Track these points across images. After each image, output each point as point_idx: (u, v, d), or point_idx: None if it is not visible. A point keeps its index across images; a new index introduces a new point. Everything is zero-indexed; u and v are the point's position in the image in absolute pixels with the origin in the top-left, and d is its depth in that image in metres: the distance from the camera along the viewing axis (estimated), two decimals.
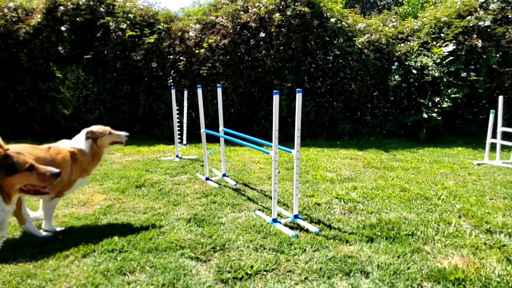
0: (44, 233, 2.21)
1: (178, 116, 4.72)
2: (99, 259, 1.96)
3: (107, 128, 2.39)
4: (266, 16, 6.18)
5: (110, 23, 6.20)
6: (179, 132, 4.75)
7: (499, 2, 6.50)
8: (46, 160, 1.97)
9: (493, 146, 4.62)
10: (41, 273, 1.83)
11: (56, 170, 1.58)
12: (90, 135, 2.29)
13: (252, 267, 1.87)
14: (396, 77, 6.50)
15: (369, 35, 6.59)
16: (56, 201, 2.26)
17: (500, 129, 4.53)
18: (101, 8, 6.34)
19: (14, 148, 1.58)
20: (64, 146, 2.23)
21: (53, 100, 6.24)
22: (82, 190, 3.23)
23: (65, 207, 2.78)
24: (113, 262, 1.92)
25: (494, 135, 4.55)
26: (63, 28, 6.19)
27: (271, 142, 2.41)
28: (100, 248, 2.08)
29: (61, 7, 6.21)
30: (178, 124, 4.74)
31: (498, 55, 6.26)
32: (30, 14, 6.45)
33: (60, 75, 6.09)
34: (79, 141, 2.29)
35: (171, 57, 6.36)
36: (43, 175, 1.54)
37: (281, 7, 6.24)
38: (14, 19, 6.35)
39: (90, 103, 6.21)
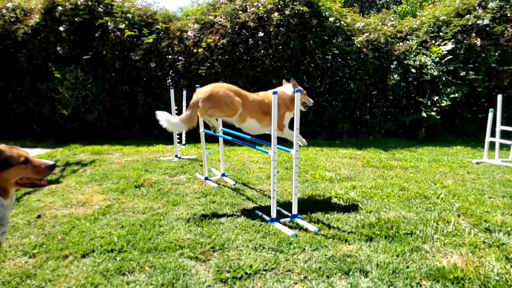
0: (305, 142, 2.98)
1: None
2: (98, 259, 1.96)
3: (304, 91, 3.00)
4: (265, 15, 6.17)
5: (109, 23, 6.19)
6: (178, 132, 4.74)
7: (497, 1, 6.51)
8: (259, 100, 2.79)
9: (492, 145, 4.62)
10: (41, 274, 1.83)
11: (51, 163, 1.56)
12: (295, 86, 2.87)
13: (251, 266, 1.87)
14: (395, 76, 6.50)
15: (367, 34, 6.59)
16: (287, 131, 2.87)
17: (499, 127, 4.53)
18: (99, 8, 6.32)
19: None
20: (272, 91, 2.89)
21: (52, 100, 6.23)
22: (82, 190, 3.23)
23: (64, 208, 2.78)
24: (113, 262, 1.92)
25: (493, 134, 4.56)
26: (61, 28, 6.18)
27: (270, 141, 2.41)
28: (100, 248, 2.08)
29: (60, 7, 6.20)
30: None
31: (496, 53, 6.26)
32: (29, 14, 6.43)
33: (58, 76, 6.08)
34: (287, 88, 2.93)
35: (169, 57, 6.35)
36: (38, 167, 1.53)
37: (279, 6, 6.23)
38: (12, 20, 6.33)
39: (89, 103, 6.20)
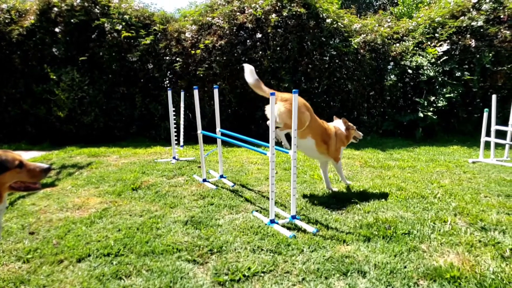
0: (348, 182, 3.39)
1: (174, 117, 4.70)
2: (94, 264, 1.94)
3: (355, 126, 3.31)
4: (263, 17, 6.18)
5: (106, 24, 6.16)
6: (175, 134, 4.72)
7: (491, 3, 6.59)
8: (324, 128, 3.03)
9: (487, 144, 4.66)
10: (35, 279, 1.80)
11: (46, 166, 1.56)
12: (346, 124, 3.20)
13: (249, 268, 1.87)
14: (392, 76, 6.54)
15: (364, 35, 6.63)
16: (340, 164, 3.21)
17: (494, 127, 4.58)
18: (96, 9, 6.29)
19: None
20: (332, 124, 3.24)
21: (47, 102, 6.17)
22: (78, 193, 3.20)
23: (60, 211, 2.75)
24: (109, 266, 1.90)
25: (488, 134, 4.60)
26: (57, 30, 6.13)
27: (269, 142, 2.41)
28: (96, 252, 2.06)
29: (55, 8, 6.15)
30: (175, 125, 4.71)
31: (491, 54, 6.33)
32: (24, 15, 6.38)
33: (54, 77, 6.03)
34: (340, 124, 3.23)
35: (167, 58, 6.33)
36: (32, 171, 1.52)
37: (277, 8, 6.25)
38: (7, 21, 6.28)
39: (86, 105, 6.16)
